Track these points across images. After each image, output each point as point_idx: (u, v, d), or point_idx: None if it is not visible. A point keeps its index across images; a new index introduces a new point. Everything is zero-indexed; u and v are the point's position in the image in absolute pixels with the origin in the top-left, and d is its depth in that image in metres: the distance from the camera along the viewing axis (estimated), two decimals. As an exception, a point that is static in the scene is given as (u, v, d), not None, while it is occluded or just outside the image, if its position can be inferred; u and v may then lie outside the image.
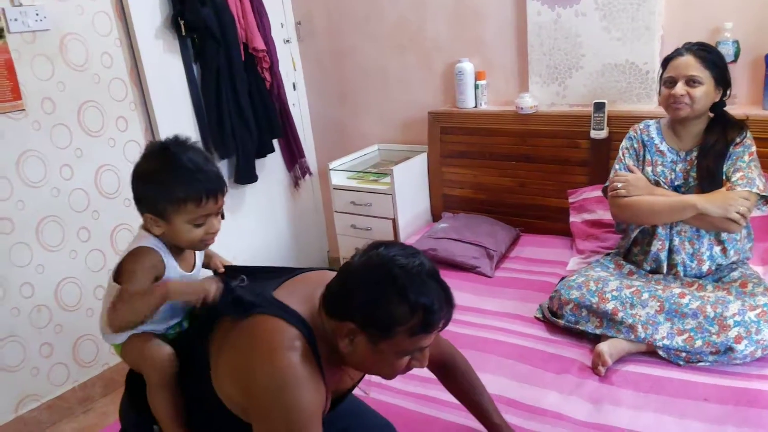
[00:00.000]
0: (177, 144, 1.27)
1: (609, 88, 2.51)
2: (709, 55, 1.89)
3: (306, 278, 1.33)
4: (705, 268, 1.94)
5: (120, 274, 1.29)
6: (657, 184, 1.98)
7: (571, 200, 2.56)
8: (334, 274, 1.23)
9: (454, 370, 1.49)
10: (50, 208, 2.39)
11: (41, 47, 2.32)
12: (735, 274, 1.92)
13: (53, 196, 2.39)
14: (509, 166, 2.77)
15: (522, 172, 2.75)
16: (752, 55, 2.28)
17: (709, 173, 1.90)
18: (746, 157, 1.88)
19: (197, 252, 1.42)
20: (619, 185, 1.98)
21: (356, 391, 1.45)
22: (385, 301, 1.07)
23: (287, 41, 3.29)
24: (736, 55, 2.25)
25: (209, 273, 1.48)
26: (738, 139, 1.90)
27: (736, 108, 2.26)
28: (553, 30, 2.55)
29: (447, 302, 1.12)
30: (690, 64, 1.87)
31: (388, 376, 1.21)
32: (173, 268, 1.32)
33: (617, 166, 2.06)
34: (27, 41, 2.27)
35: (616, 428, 1.53)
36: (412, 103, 3.11)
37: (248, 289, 1.28)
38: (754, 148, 1.90)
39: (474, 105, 2.85)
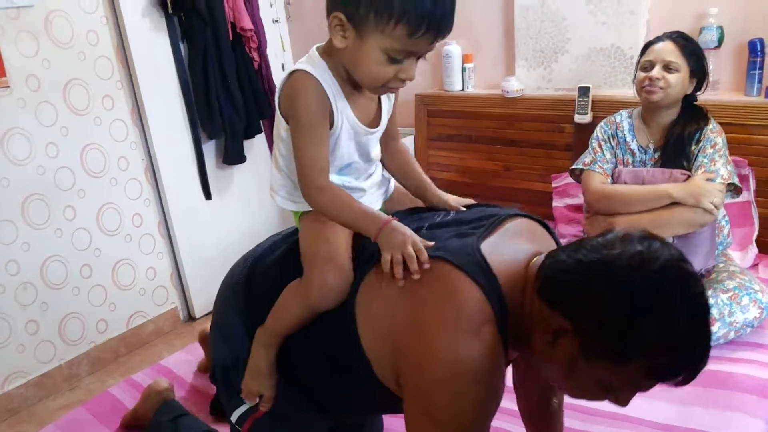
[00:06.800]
0: None
1: (594, 72, 2.52)
2: (688, 44, 1.91)
3: (512, 230, 1.07)
4: None
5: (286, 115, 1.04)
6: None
7: (554, 185, 2.58)
8: (538, 226, 1.07)
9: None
10: (36, 186, 2.39)
11: (25, 24, 2.30)
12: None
13: (39, 174, 2.39)
14: (495, 150, 2.79)
15: (507, 156, 2.77)
16: (736, 41, 2.28)
17: (670, 162, 1.92)
18: (709, 150, 1.89)
19: (384, 103, 1.11)
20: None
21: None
22: (644, 330, 0.84)
23: (276, 21, 3.27)
24: (720, 41, 2.25)
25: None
26: (699, 134, 1.90)
27: (718, 94, 2.28)
28: (539, 13, 2.55)
29: (704, 362, 0.88)
30: (669, 50, 1.89)
31: (582, 397, 0.98)
32: (346, 116, 1.03)
33: (594, 156, 2.06)
34: (11, 17, 2.25)
35: (585, 407, 1.56)
36: (400, 86, 3.10)
37: (454, 233, 1.02)
38: (719, 139, 1.90)
39: (461, 88, 2.86)
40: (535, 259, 1.00)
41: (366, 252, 1.06)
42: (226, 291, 1.28)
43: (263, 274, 1.21)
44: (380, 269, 1.01)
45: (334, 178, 1.09)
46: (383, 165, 1.22)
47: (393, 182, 1.25)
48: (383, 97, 1.10)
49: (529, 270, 0.98)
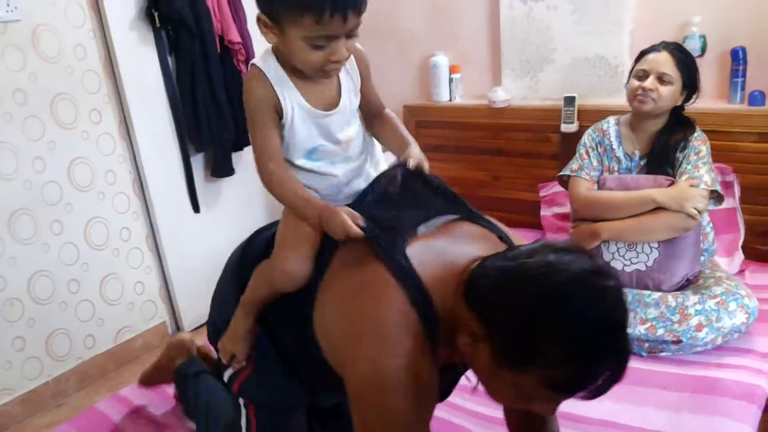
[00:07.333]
0: None
1: (580, 81, 2.54)
2: (684, 57, 1.92)
3: (462, 233, 1.08)
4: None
5: None
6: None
7: (541, 194, 2.59)
8: (487, 232, 1.08)
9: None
10: (22, 201, 2.37)
11: (12, 38, 2.30)
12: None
13: (25, 189, 2.38)
14: (483, 160, 2.80)
15: (495, 166, 2.79)
16: (719, 49, 2.31)
17: (655, 170, 1.93)
18: (693, 157, 1.90)
19: (344, 83, 1.12)
20: None
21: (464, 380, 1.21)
22: (541, 341, 0.84)
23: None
24: (703, 49, 2.29)
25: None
26: (684, 143, 1.92)
27: (701, 102, 2.29)
28: (525, 24, 2.58)
29: (616, 377, 0.87)
30: (665, 62, 1.89)
31: (503, 403, 1.06)
32: (295, 102, 1.07)
33: (581, 163, 2.06)
34: (-3, 32, 2.26)
35: (573, 415, 1.55)
36: (388, 97, 3.05)
37: (381, 228, 1.04)
38: (703, 147, 1.92)
39: (448, 99, 2.88)
40: (474, 263, 1.00)
41: (333, 240, 1.10)
42: (228, 260, 1.39)
43: (255, 249, 1.31)
44: (340, 260, 1.08)
45: (304, 162, 1.13)
46: (377, 139, 1.23)
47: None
48: (343, 77, 1.12)
49: (464, 273, 0.98)
